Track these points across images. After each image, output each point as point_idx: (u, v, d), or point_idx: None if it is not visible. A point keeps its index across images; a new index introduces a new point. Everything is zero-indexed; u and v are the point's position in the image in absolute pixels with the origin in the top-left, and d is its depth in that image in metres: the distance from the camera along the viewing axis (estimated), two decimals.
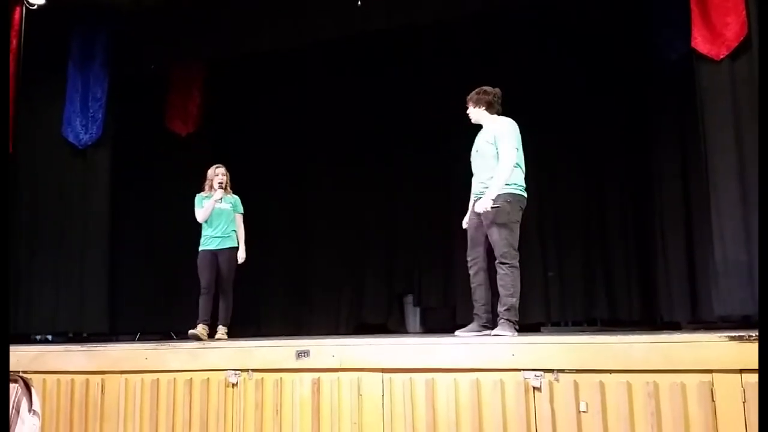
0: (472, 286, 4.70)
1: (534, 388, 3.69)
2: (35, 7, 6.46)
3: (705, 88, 4.94)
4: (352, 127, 7.99)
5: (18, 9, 6.40)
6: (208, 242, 5.94)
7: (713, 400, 3.36)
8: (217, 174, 5.96)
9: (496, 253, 4.53)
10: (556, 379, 3.67)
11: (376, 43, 7.29)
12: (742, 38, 4.72)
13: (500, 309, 4.50)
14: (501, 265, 4.51)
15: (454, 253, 7.55)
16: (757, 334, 3.21)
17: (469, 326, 4.62)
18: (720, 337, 3.46)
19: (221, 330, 5.88)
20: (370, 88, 7.88)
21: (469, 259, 4.74)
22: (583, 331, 6.46)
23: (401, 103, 7.78)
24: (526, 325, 6.94)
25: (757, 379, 3.09)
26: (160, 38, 6.96)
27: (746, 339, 3.35)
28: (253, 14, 6.59)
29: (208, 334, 5.75)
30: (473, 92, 4.85)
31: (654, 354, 3.53)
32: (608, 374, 3.59)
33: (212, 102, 7.82)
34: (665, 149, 6.48)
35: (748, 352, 3.29)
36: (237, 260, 6.00)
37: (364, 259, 8.10)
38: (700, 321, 6.00)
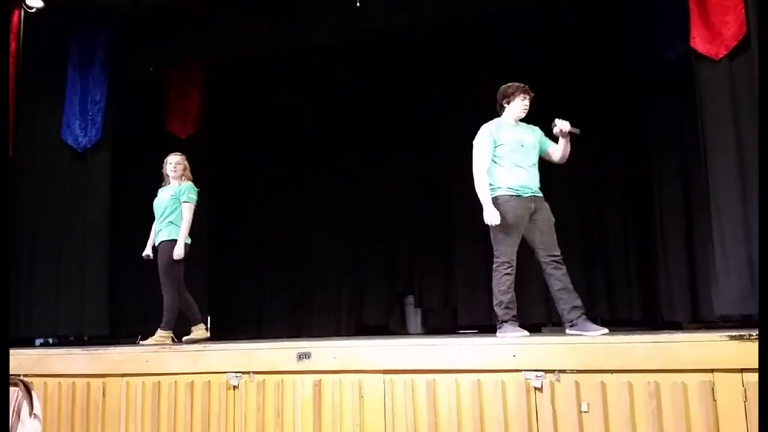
0: (510, 284, 4.57)
1: (535, 388, 3.70)
2: (34, 9, 6.46)
3: (704, 87, 4.94)
4: (352, 128, 8.00)
5: (17, 12, 6.40)
6: (155, 237, 5.70)
7: (714, 400, 3.37)
8: (170, 162, 5.71)
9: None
10: (557, 380, 3.67)
11: (376, 43, 7.30)
12: (740, 38, 4.72)
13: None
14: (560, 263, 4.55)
15: (455, 253, 7.57)
16: (758, 333, 3.21)
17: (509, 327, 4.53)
18: (721, 336, 3.47)
19: (157, 333, 5.51)
20: (369, 88, 7.87)
21: (514, 259, 4.60)
22: None
23: (401, 104, 7.79)
24: (527, 326, 6.95)
25: (757, 379, 3.09)
26: (158, 40, 6.95)
27: (747, 338, 3.35)
28: (251, 15, 6.59)
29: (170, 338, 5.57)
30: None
31: (655, 354, 3.54)
32: (609, 374, 3.59)
33: (212, 104, 7.82)
34: (665, 149, 6.49)
35: (748, 352, 3.29)
36: (172, 254, 5.45)
37: (365, 260, 8.10)
38: (700, 320, 6.00)
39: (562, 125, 4.64)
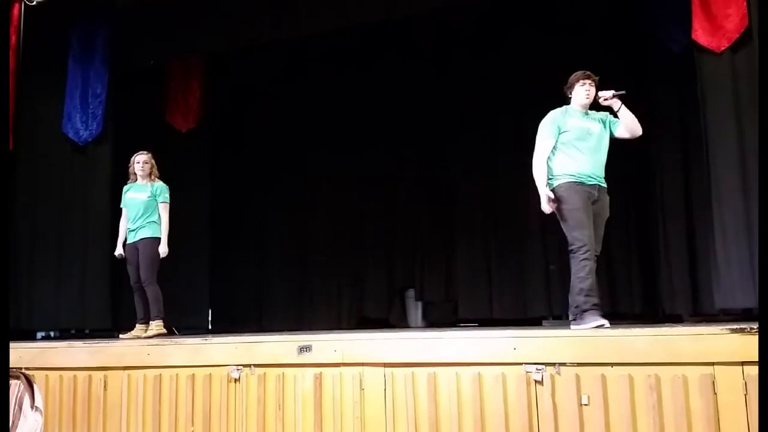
0: (589, 270, 4.32)
1: (536, 381, 3.69)
2: (34, 3, 6.44)
3: (706, 80, 4.94)
4: (354, 121, 7.98)
5: (17, 5, 6.38)
6: (128, 235, 5.81)
7: (715, 393, 3.36)
8: (138, 162, 5.81)
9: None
10: (558, 373, 3.67)
11: (378, 39, 7.29)
12: (742, 30, 4.71)
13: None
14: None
15: (455, 247, 7.57)
16: (758, 326, 3.21)
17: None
18: (721, 329, 3.46)
19: (152, 325, 5.66)
20: (371, 82, 7.85)
21: (592, 243, 4.36)
22: None
23: (403, 97, 7.77)
24: (527, 319, 6.98)
25: (758, 371, 3.09)
26: (159, 33, 6.94)
27: (747, 331, 3.35)
28: (252, 7, 6.58)
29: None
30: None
31: (655, 347, 3.53)
32: (610, 367, 3.59)
33: (212, 96, 7.81)
34: (666, 141, 6.47)
35: (749, 345, 3.28)
36: (157, 251, 5.69)
37: (366, 254, 8.10)
38: (701, 314, 6.01)
39: (604, 94, 4.49)
